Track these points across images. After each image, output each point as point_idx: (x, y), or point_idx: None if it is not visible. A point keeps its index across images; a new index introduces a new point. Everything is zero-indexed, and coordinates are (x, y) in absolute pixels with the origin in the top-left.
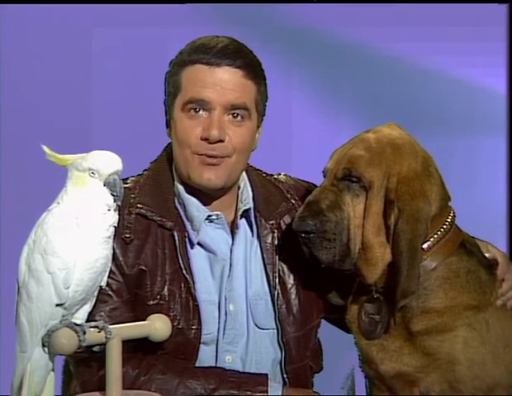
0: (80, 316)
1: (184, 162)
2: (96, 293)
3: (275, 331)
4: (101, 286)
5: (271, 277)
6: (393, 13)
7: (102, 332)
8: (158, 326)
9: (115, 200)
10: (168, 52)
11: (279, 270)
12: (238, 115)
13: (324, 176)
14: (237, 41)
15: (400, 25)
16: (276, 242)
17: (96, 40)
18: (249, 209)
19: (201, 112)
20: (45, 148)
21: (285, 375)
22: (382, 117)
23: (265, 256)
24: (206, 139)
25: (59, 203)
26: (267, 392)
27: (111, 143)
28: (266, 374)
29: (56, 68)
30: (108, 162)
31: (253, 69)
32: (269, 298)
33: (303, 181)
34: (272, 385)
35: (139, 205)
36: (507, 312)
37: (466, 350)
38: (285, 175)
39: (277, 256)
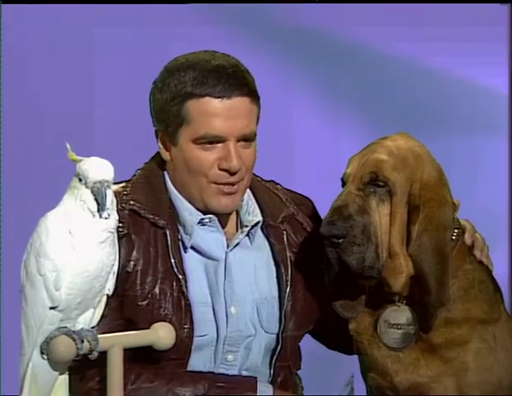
0: (81, 322)
1: (199, 190)
2: (97, 300)
3: (276, 335)
4: (107, 295)
5: (281, 281)
6: (395, 13)
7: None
8: (161, 334)
9: (98, 210)
10: (169, 52)
11: (286, 274)
12: (247, 140)
13: (344, 183)
14: (237, 64)
15: (401, 25)
16: (282, 248)
17: (97, 40)
18: (259, 222)
19: (214, 143)
20: (68, 147)
21: (272, 369)
22: (384, 117)
23: (275, 260)
24: (225, 170)
25: (58, 206)
26: None
27: (112, 143)
28: (255, 378)
29: (57, 68)
30: (95, 169)
31: (255, 91)
32: (276, 302)
33: (295, 192)
34: (261, 389)
35: (131, 202)
36: (508, 326)
37: (477, 358)
38: (274, 183)
39: (285, 261)
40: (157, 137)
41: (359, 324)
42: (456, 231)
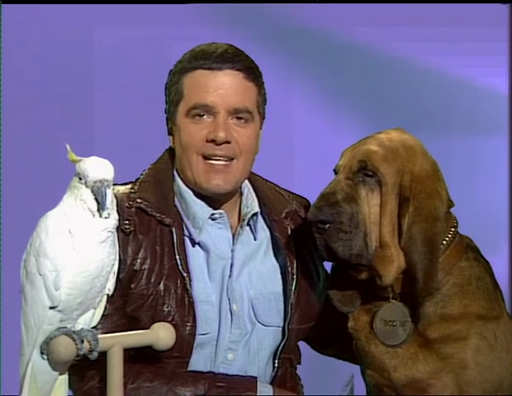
0: (81, 323)
1: (190, 166)
2: (98, 300)
3: (279, 328)
4: (107, 294)
5: (287, 274)
6: (395, 13)
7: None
8: (161, 335)
9: (98, 209)
10: (170, 52)
11: (291, 268)
12: (242, 117)
13: (336, 174)
14: (235, 46)
15: (401, 25)
16: (287, 242)
17: (98, 40)
18: (257, 213)
19: (205, 117)
20: (68, 147)
21: (276, 361)
22: (384, 117)
23: (279, 254)
24: (212, 141)
25: (58, 205)
26: None
27: (112, 143)
28: (255, 378)
29: (57, 68)
30: (94, 169)
31: (253, 72)
32: (277, 296)
33: (293, 192)
34: (261, 389)
35: (138, 200)
36: (510, 324)
37: (477, 355)
38: (273, 183)
39: (290, 255)
40: (168, 126)
41: (357, 322)
42: (452, 229)
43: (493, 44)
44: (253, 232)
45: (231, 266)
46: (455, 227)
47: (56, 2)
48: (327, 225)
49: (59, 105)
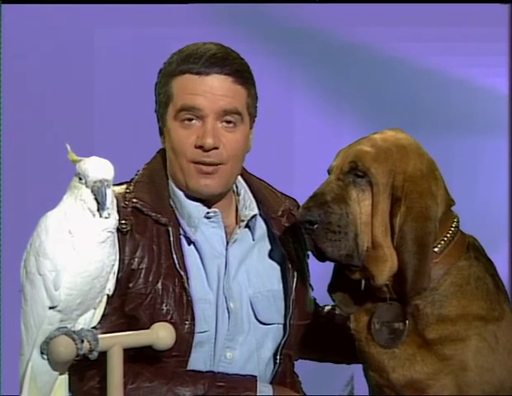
0: (81, 323)
1: (180, 170)
2: (98, 300)
3: (279, 326)
4: (108, 295)
5: (287, 271)
6: (395, 13)
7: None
8: (161, 335)
9: (98, 209)
10: (170, 52)
11: (292, 265)
12: (231, 121)
13: (329, 175)
14: (224, 47)
15: (401, 25)
16: (285, 239)
17: (97, 40)
18: (256, 215)
19: (194, 121)
20: (68, 147)
21: (278, 357)
22: (384, 117)
23: (278, 251)
24: (200, 147)
25: (58, 205)
26: None
27: (113, 143)
28: (255, 377)
29: (57, 68)
30: (94, 169)
31: (242, 74)
32: (275, 293)
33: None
34: (261, 389)
35: (134, 200)
36: (511, 326)
37: (477, 357)
38: (266, 182)
39: (290, 252)
40: (159, 127)
41: (358, 323)
42: (452, 228)
43: (493, 44)
44: (252, 232)
45: (225, 264)
46: (455, 226)
47: (56, 2)
48: (315, 226)
49: (59, 105)
